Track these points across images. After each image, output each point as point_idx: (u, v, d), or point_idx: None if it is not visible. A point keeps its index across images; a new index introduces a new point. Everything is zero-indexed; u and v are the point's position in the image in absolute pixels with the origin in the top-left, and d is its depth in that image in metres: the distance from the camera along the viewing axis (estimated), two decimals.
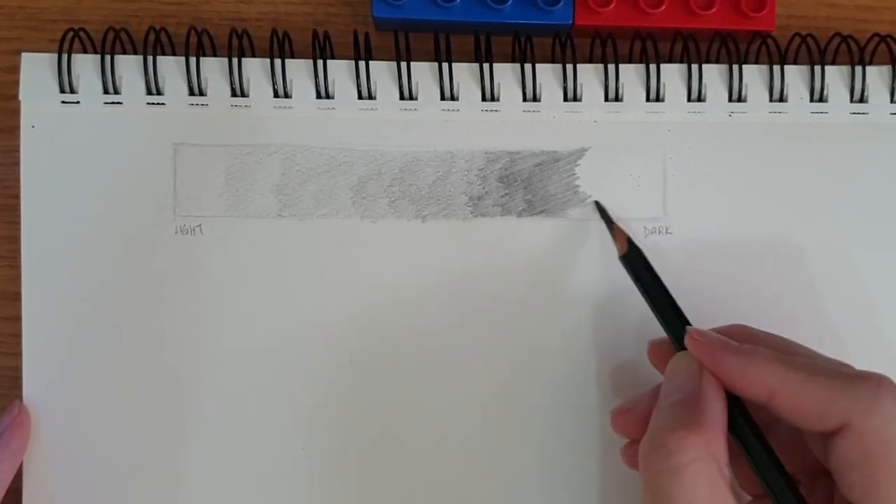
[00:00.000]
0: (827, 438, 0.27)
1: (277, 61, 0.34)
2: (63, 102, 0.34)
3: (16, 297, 0.34)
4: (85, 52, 0.34)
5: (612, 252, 0.33)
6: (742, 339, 0.29)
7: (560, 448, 0.34)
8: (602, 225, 0.34)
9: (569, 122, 0.35)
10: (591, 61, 0.35)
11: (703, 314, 0.31)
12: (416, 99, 0.34)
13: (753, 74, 0.35)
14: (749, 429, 0.28)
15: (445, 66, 0.34)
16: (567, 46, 0.34)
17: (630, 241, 0.33)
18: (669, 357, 0.30)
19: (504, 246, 0.34)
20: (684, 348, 0.29)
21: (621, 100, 0.35)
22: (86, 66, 0.34)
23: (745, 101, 0.35)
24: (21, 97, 0.34)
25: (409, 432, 0.34)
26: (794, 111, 0.35)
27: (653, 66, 0.34)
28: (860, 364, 0.28)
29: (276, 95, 0.34)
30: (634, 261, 0.32)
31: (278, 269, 0.34)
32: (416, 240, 0.34)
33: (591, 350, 0.34)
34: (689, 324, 0.31)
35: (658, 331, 0.31)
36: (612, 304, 0.34)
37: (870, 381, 0.26)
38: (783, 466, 0.28)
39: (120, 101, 0.34)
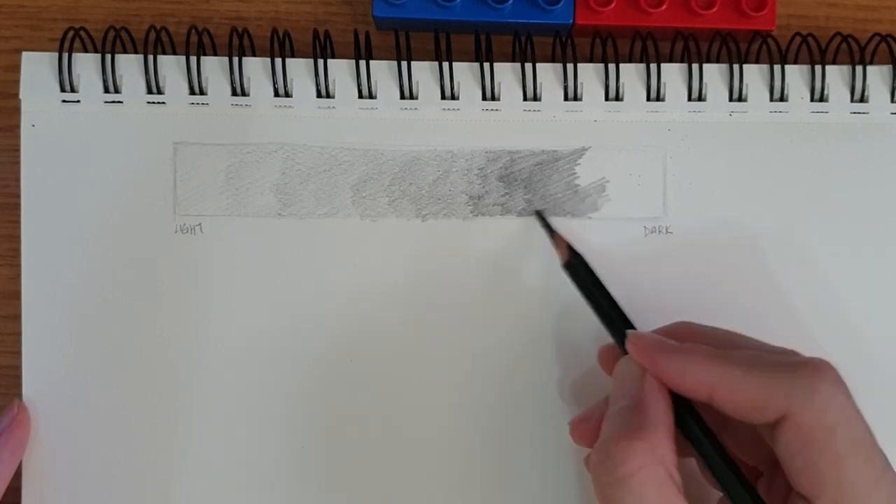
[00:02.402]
0: (771, 430, 0.27)
1: (278, 60, 0.34)
2: (63, 101, 0.34)
3: (15, 296, 0.34)
4: (85, 51, 0.34)
5: (614, 250, 0.33)
6: (684, 337, 0.29)
7: (555, 449, 0.34)
8: (602, 224, 0.34)
9: (569, 122, 0.35)
10: (591, 61, 0.35)
11: (703, 313, 0.31)
12: (417, 98, 0.34)
13: (754, 74, 0.35)
14: (698, 428, 0.28)
15: (446, 65, 0.34)
16: (567, 46, 0.34)
17: (571, 249, 0.33)
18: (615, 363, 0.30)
19: (504, 245, 0.34)
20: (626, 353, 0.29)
21: (622, 99, 0.35)
22: (86, 65, 0.34)
23: (745, 100, 0.35)
24: (21, 96, 0.34)
25: (410, 431, 0.34)
26: (795, 111, 0.35)
27: (653, 66, 0.34)
28: (857, 359, 0.28)
29: (276, 94, 0.34)
30: (577, 268, 0.32)
31: (278, 269, 0.34)
32: (416, 239, 0.34)
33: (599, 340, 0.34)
34: (632, 328, 0.31)
35: None
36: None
37: (806, 369, 0.26)
38: (734, 462, 0.28)
39: (120, 100, 0.34)
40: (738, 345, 0.29)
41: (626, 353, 0.30)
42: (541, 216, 0.34)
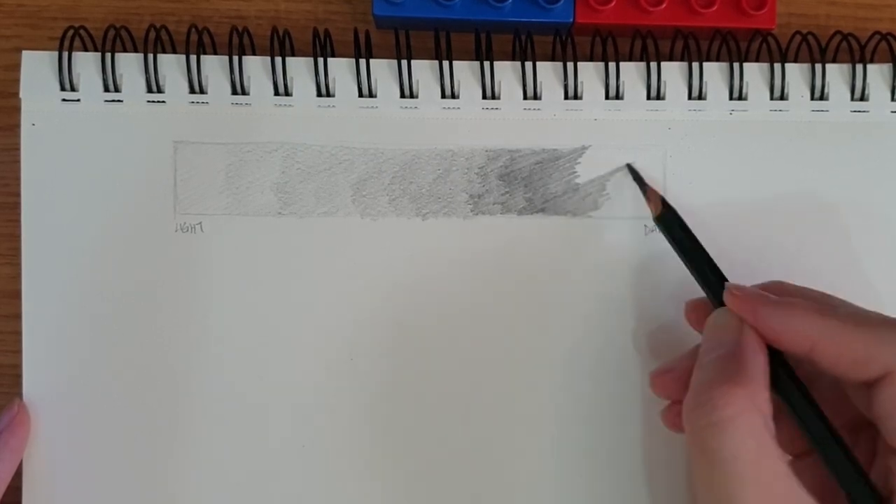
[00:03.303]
0: (870, 388, 0.26)
1: (278, 59, 0.34)
2: (63, 100, 0.34)
3: (16, 295, 0.34)
4: (85, 50, 0.34)
5: (615, 248, 0.33)
6: (781, 293, 0.29)
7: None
8: (602, 223, 0.34)
9: (569, 121, 0.35)
10: (591, 59, 0.35)
11: None
12: (417, 97, 0.34)
13: (754, 73, 0.35)
14: (791, 383, 0.28)
15: (446, 64, 0.34)
16: (567, 44, 0.34)
17: (664, 202, 0.33)
18: (707, 316, 0.30)
19: (504, 244, 0.34)
20: (723, 306, 0.29)
21: (622, 98, 0.35)
22: (86, 64, 0.34)
23: (745, 99, 0.35)
24: (21, 95, 0.34)
25: (410, 430, 0.34)
26: (795, 109, 0.35)
27: (653, 65, 0.34)
28: None
29: (276, 93, 0.34)
30: (670, 221, 0.32)
31: (278, 267, 0.34)
32: (416, 238, 0.34)
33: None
34: (726, 280, 0.31)
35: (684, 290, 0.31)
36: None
37: None
38: (828, 420, 0.28)
39: (120, 99, 0.34)
40: (834, 304, 0.29)
41: (718, 304, 0.30)
42: (632, 169, 0.34)
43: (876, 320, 0.27)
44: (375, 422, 0.34)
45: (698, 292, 0.31)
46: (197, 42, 0.34)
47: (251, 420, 0.34)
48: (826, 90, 0.35)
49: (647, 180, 0.34)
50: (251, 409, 0.34)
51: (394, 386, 0.34)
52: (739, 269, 0.35)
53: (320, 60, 0.34)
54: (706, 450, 0.26)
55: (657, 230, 0.34)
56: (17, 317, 0.34)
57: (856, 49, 0.35)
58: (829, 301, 0.29)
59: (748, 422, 0.26)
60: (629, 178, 0.35)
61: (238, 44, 0.34)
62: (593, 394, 0.34)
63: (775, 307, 0.28)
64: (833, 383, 0.28)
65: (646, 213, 0.34)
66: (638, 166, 0.34)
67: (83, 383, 0.34)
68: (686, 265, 0.32)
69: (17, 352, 0.34)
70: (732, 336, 0.28)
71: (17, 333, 0.34)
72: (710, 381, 0.27)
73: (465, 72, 0.34)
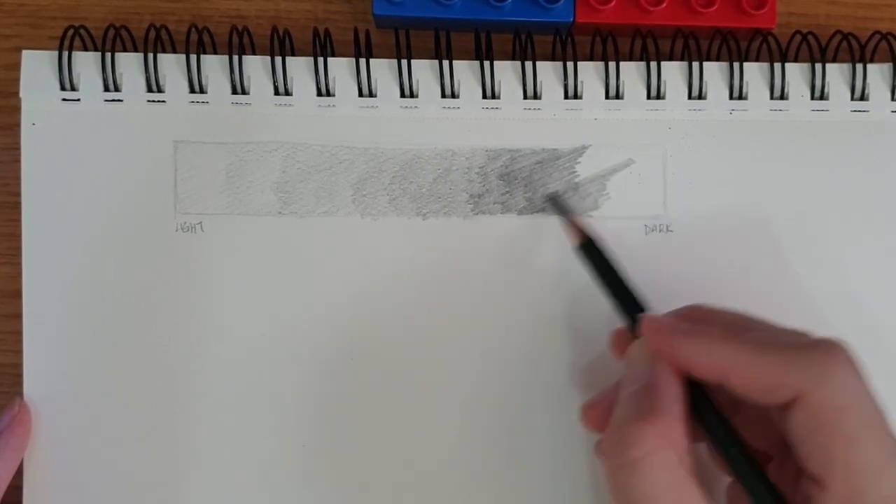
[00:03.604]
0: (783, 411, 0.26)
1: (278, 59, 0.34)
2: (64, 100, 0.34)
3: (16, 295, 0.34)
4: (85, 49, 0.34)
5: (615, 248, 0.33)
6: (698, 319, 0.29)
7: (555, 439, 0.34)
8: (603, 223, 0.34)
9: (569, 120, 0.35)
10: (591, 59, 0.35)
11: None
12: (417, 97, 0.34)
13: (754, 72, 0.35)
14: (710, 411, 0.28)
15: (446, 63, 0.34)
16: (567, 44, 0.34)
17: (584, 232, 0.33)
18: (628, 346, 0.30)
19: (505, 244, 0.34)
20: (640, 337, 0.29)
21: (622, 98, 0.35)
22: (86, 63, 0.34)
23: (745, 98, 0.35)
24: (21, 95, 0.34)
25: (411, 430, 0.34)
26: (795, 109, 0.35)
27: (653, 64, 0.34)
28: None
29: (276, 93, 0.34)
30: (590, 251, 0.32)
31: (279, 267, 0.34)
32: (416, 237, 0.34)
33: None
34: (643, 311, 0.31)
35: None
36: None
37: (819, 350, 0.26)
38: (745, 446, 0.28)
39: (120, 98, 0.34)
40: (750, 326, 0.29)
41: (637, 336, 0.30)
42: (554, 199, 0.34)
43: (784, 345, 0.27)
44: (376, 421, 0.34)
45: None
46: (197, 41, 0.34)
47: (251, 419, 0.34)
48: (826, 90, 0.35)
49: (567, 210, 0.34)
50: (251, 408, 0.34)
51: (394, 385, 0.34)
52: (739, 268, 0.35)
53: (320, 60, 0.34)
54: (622, 488, 0.26)
55: (658, 229, 0.35)
56: (18, 316, 0.34)
57: (856, 49, 0.35)
58: (743, 324, 0.29)
59: (661, 459, 0.26)
60: (630, 178, 0.35)
61: (238, 43, 0.34)
62: (593, 391, 0.34)
63: (685, 336, 0.28)
64: (758, 407, 0.28)
65: (646, 212, 0.34)
66: (559, 194, 0.34)
67: (84, 383, 0.34)
68: (606, 295, 0.32)
69: (18, 351, 0.34)
70: (647, 368, 0.28)
71: (18, 333, 0.34)
72: (625, 418, 0.27)
73: (465, 71, 0.34)
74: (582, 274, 0.34)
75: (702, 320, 0.30)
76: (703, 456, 0.30)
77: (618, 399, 0.28)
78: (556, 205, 0.34)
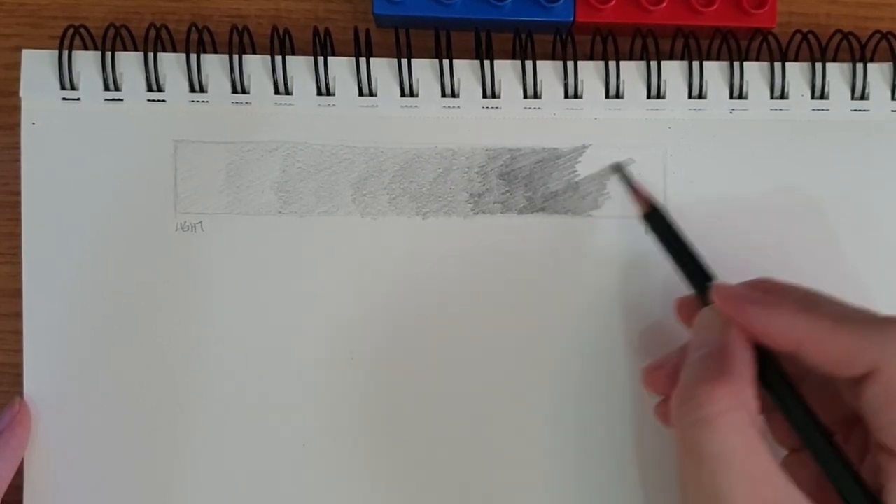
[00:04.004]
0: (857, 384, 0.27)
1: (278, 58, 0.34)
2: (64, 99, 0.34)
3: (17, 294, 0.34)
4: (85, 48, 0.34)
5: (615, 247, 0.33)
6: (767, 291, 0.29)
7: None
8: (603, 222, 0.34)
9: (569, 120, 0.35)
10: (591, 58, 0.35)
11: None
12: (417, 96, 0.34)
13: (754, 72, 0.35)
14: (780, 380, 0.28)
15: (446, 62, 0.34)
16: (568, 43, 0.34)
17: (652, 200, 0.33)
18: (696, 314, 0.30)
19: (505, 243, 0.34)
20: (710, 304, 0.29)
21: (622, 97, 0.35)
22: (86, 62, 0.34)
23: (745, 98, 0.35)
24: (22, 94, 0.34)
25: (410, 429, 0.34)
26: (795, 108, 0.35)
27: (654, 64, 0.34)
28: None
29: (276, 92, 0.34)
30: (658, 220, 0.32)
31: (279, 266, 0.34)
32: (416, 237, 0.34)
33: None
34: (714, 279, 0.31)
35: (683, 290, 0.31)
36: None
37: (895, 325, 0.26)
38: (816, 416, 0.28)
39: (121, 97, 0.34)
40: (821, 301, 0.29)
41: (705, 303, 0.30)
42: (619, 168, 0.34)
43: (860, 317, 0.27)
44: (375, 420, 0.34)
45: None
46: (197, 41, 0.34)
47: (251, 418, 0.34)
48: (826, 89, 0.35)
49: (635, 179, 0.34)
50: (251, 407, 0.34)
51: (394, 384, 0.34)
52: (739, 268, 0.35)
53: (320, 59, 0.34)
54: (693, 447, 0.26)
55: None
56: (18, 315, 0.34)
57: (856, 48, 0.35)
58: (815, 298, 0.29)
59: (734, 419, 0.26)
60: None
61: (238, 43, 0.34)
62: (593, 391, 0.34)
63: (760, 306, 0.28)
64: (825, 380, 0.28)
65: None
66: (624, 164, 0.34)
67: (84, 382, 0.34)
68: (673, 264, 0.32)
69: (18, 351, 0.34)
70: (718, 335, 0.28)
71: (18, 332, 0.34)
72: (696, 378, 0.27)
73: (465, 71, 0.34)
74: (582, 272, 0.34)
75: (772, 292, 0.30)
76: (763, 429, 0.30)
77: (687, 362, 0.28)
78: (622, 175, 0.34)
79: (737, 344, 0.28)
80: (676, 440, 0.27)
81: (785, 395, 0.28)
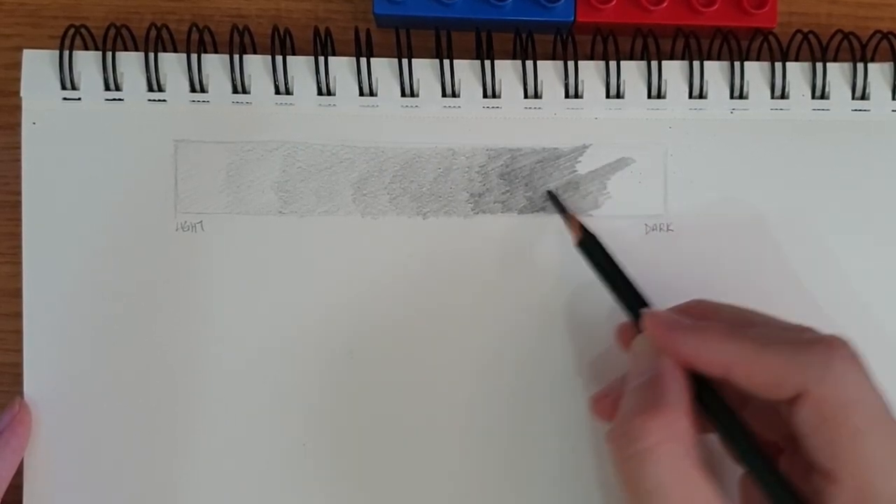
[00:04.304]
0: (789, 406, 0.27)
1: (279, 58, 0.34)
2: (64, 99, 0.34)
3: (17, 294, 0.34)
4: (86, 48, 0.34)
5: (615, 247, 0.33)
6: (701, 314, 0.30)
7: (559, 437, 0.34)
8: (603, 222, 0.34)
9: (570, 119, 0.35)
10: (592, 58, 0.35)
11: None
12: (418, 96, 0.34)
13: (755, 71, 0.35)
14: (717, 404, 0.28)
15: (446, 62, 0.34)
16: (568, 43, 0.34)
17: (584, 229, 0.33)
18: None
19: (505, 243, 0.34)
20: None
21: (622, 97, 0.35)
22: (87, 62, 0.34)
23: (746, 98, 0.35)
24: (22, 94, 0.34)
25: (410, 428, 0.34)
26: (796, 108, 0.35)
27: (654, 64, 0.34)
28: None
29: (277, 92, 0.34)
30: (591, 247, 0.32)
31: (279, 266, 0.34)
32: (416, 237, 0.34)
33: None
34: (646, 306, 0.31)
35: None
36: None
37: (821, 346, 0.26)
38: (755, 440, 0.28)
39: (121, 97, 0.34)
40: (753, 321, 0.29)
41: (641, 330, 0.30)
42: (553, 196, 0.34)
43: (786, 340, 0.27)
44: (375, 420, 0.34)
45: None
46: (198, 41, 0.34)
47: (251, 418, 0.34)
48: (827, 89, 0.35)
49: (566, 206, 0.34)
50: (251, 406, 0.34)
51: (394, 384, 0.34)
52: (740, 268, 0.35)
53: (321, 59, 0.34)
54: (629, 479, 0.26)
55: (658, 229, 0.35)
56: (18, 315, 0.34)
57: (856, 48, 0.35)
58: (747, 319, 0.29)
59: (667, 451, 0.26)
60: (630, 177, 0.35)
61: (239, 42, 0.34)
62: (596, 389, 0.34)
63: (687, 332, 0.28)
64: (764, 401, 0.28)
65: (647, 211, 0.34)
66: (557, 192, 0.34)
67: (84, 382, 0.34)
68: (609, 291, 0.32)
69: (18, 350, 0.34)
70: (651, 363, 0.28)
71: (18, 332, 0.34)
72: (631, 411, 0.27)
73: (465, 71, 0.34)
74: (582, 272, 0.34)
75: (705, 315, 0.30)
76: (716, 446, 0.30)
77: (625, 391, 0.28)
78: (556, 202, 0.34)
79: (669, 373, 0.28)
80: (615, 472, 0.27)
81: (723, 420, 0.28)
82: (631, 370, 0.29)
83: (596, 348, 0.34)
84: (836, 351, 0.26)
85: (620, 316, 0.34)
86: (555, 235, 0.34)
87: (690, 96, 0.35)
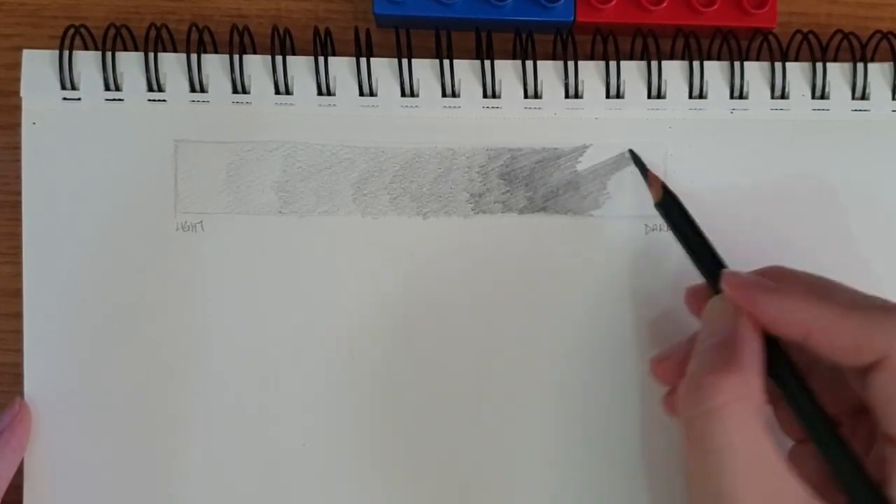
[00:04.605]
0: (865, 374, 0.26)
1: (279, 58, 0.34)
2: (64, 99, 0.34)
3: (17, 294, 0.34)
4: (86, 48, 0.34)
5: (615, 247, 0.33)
6: (778, 279, 0.29)
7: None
8: (603, 222, 0.34)
9: (570, 119, 0.35)
10: (592, 58, 0.35)
11: None
12: (418, 96, 0.34)
13: (755, 71, 0.35)
14: (788, 370, 0.28)
15: (447, 62, 0.34)
16: (568, 43, 0.34)
17: (665, 188, 0.33)
18: (706, 303, 0.30)
19: (505, 243, 0.34)
20: (720, 293, 0.29)
21: (622, 97, 0.35)
22: (87, 62, 0.34)
23: (746, 98, 0.35)
24: (22, 94, 0.34)
25: (411, 428, 0.34)
26: (796, 108, 0.35)
27: (654, 63, 0.34)
28: None
29: (277, 92, 0.34)
30: (670, 207, 0.32)
31: (279, 266, 0.34)
32: (417, 237, 0.34)
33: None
34: (725, 267, 0.31)
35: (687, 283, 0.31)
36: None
37: None
38: (822, 408, 0.28)
39: (121, 97, 0.34)
40: (831, 288, 0.29)
41: (716, 291, 0.30)
42: (634, 154, 0.34)
43: (869, 305, 0.27)
44: (376, 420, 0.34)
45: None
46: (198, 41, 0.34)
47: (252, 418, 0.34)
48: (827, 89, 0.35)
49: (650, 166, 0.34)
50: (251, 407, 0.34)
51: (394, 384, 0.34)
52: (741, 267, 0.35)
53: (321, 59, 0.34)
54: (698, 438, 0.26)
55: (658, 229, 0.35)
56: (19, 315, 0.34)
57: (856, 48, 0.35)
58: (826, 286, 0.29)
59: (740, 410, 0.26)
60: (629, 177, 0.35)
61: (239, 42, 0.34)
62: (593, 390, 0.34)
63: (770, 294, 0.28)
64: (833, 370, 0.28)
65: (647, 211, 0.34)
66: (639, 151, 0.34)
67: (84, 382, 0.34)
68: (685, 251, 0.32)
69: (19, 350, 0.34)
70: (728, 323, 0.28)
71: (19, 332, 0.34)
72: (704, 368, 0.27)
73: (465, 71, 0.34)
74: (581, 272, 0.34)
75: (782, 279, 0.29)
76: (771, 419, 0.30)
77: (696, 351, 0.28)
78: (637, 161, 0.34)
79: (746, 333, 0.28)
80: (683, 431, 0.27)
81: (792, 386, 0.28)
82: (703, 330, 0.29)
83: (595, 346, 0.34)
84: None
85: (617, 315, 0.34)
86: (555, 235, 0.34)
87: (690, 96, 0.35)
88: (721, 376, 0.26)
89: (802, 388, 0.28)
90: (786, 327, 0.27)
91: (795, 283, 0.29)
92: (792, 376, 0.28)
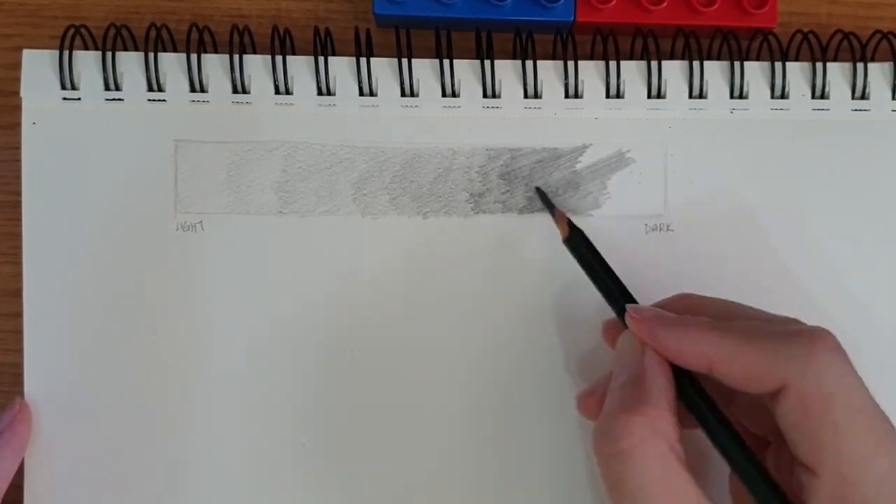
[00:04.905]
0: (770, 400, 0.26)
1: (279, 58, 0.34)
2: (64, 99, 0.34)
3: (17, 294, 0.34)
4: (86, 48, 0.34)
5: (615, 247, 0.33)
6: (684, 309, 0.29)
7: (558, 437, 0.34)
8: (603, 222, 0.34)
9: (570, 119, 0.35)
10: (592, 58, 0.35)
11: None
12: (418, 96, 0.34)
13: (755, 71, 0.35)
14: (701, 401, 0.28)
15: (446, 62, 0.34)
16: (568, 43, 0.34)
17: (571, 225, 0.33)
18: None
19: (505, 243, 0.34)
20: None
21: (622, 97, 0.35)
22: (87, 62, 0.34)
23: (746, 98, 0.35)
24: (22, 94, 0.34)
25: (411, 428, 0.34)
26: (796, 108, 0.35)
27: (654, 63, 0.34)
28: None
29: (277, 92, 0.34)
30: (577, 244, 0.32)
31: (279, 266, 0.34)
32: (417, 237, 0.34)
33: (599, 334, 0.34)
34: (632, 301, 0.31)
35: None
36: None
37: (803, 338, 0.26)
38: (738, 435, 0.28)
39: (121, 97, 0.34)
40: (738, 315, 0.29)
41: (626, 326, 0.30)
42: (541, 192, 0.34)
43: (768, 334, 0.27)
44: (376, 420, 0.34)
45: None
46: (198, 41, 0.34)
47: (251, 417, 0.34)
48: (827, 89, 0.35)
49: (554, 203, 0.34)
50: (251, 406, 0.34)
51: (394, 383, 0.34)
52: (740, 267, 0.35)
53: (321, 59, 0.34)
54: (613, 478, 0.26)
55: (658, 229, 0.35)
56: (19, 315, 0.34)
57: (857, 48, 0.35)
58: (731, 312, 0.29)
59: (650, 449, 0.26)
60: (630, 177, 0.35)
61: (239, 42, 0.34)
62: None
63: (670, 327, 0.28)
64: (751, 395, 0.28)
65: (647, 211, 0.34)
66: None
67: (84, 381, 0.34)
68: (595, 287, 0.32)
69: (19, 350, 0.34)
70: (635, 359, 0.28)
71: (19, 332, 0.34)
72: (614, 409, 0.27)
73: (465, 70, 0.34)
74: (581, 272, 0.34)
75: (689, 309, 0.30)
76: (706, 442, 0.30)
77: (609, 389, 0.28)
78: (544, 198, 0.34)
79: (651, 369, 0.28)
80: (600, 471, 0.27)
81: (707, 417, 0.28)
82: (615, 367, 0.29)
83: (595, 344, 0.34)
84: (818, 343, 0.26)
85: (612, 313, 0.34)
86: (555, 235, 0.34)
87: (690, 96, 0.35)
88: (629, 416, 0.26)
89: (717, 418, 0.28)
90: (689, 360, 0.27)
91: (702, 311, 0.29)
92: (703, 405, 0.28)
